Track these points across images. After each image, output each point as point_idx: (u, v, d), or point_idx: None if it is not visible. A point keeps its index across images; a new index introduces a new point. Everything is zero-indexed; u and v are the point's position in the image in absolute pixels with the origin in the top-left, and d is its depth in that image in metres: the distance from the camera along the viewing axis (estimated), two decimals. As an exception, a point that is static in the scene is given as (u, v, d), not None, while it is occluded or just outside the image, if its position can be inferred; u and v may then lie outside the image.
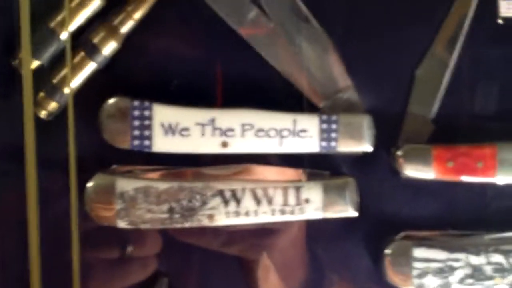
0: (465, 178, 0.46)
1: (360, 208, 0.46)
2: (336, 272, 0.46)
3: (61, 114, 0.42)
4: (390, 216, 0.47)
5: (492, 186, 0.46)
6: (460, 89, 0.46)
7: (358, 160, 0.46)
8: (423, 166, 0.45)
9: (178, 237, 0.44)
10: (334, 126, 0.44)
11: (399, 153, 0.45)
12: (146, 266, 0.44)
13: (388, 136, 0.46)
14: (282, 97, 0.45)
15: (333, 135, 0.44)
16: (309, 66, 0.45)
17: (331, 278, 0.46)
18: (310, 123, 0.44)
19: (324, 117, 0.44)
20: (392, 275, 0.45)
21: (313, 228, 0.46)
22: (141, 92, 0.43)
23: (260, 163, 0.45)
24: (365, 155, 0.45)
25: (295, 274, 0.46)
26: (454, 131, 0.46)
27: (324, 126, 0.44)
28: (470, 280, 0.45)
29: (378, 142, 0.46)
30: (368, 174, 0.46)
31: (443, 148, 0.45)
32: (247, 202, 0.43)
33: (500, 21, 0.45)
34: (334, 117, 0.44)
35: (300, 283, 0.45)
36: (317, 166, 0.45)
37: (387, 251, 0.45)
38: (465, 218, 0.47)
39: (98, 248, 0.43)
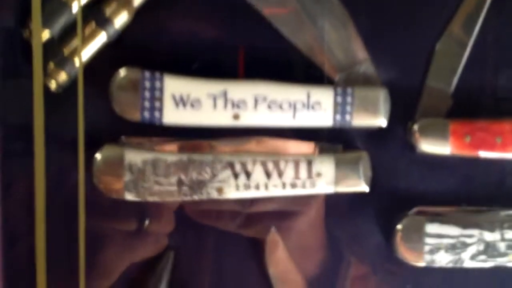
0: (483, 154, 0.46)
1: (374, 183, 0.46)
2: (349, 249, 0.47)
3: (70, 87, 0.42)
4: (404, 192, 0.47)
5: (510, 162, 0.46)
6: (480, 65, 0.46)
7: (373, 135, 0.46)
8: (439, 141, 0.45)
9: (195, 218, 0.45)
10: (349, 99, 0.44)
11: (415, 127, 0.45)
12: (158, 242, 0.45)
13: (405, 110, 0.46)
14: (299, 70, 0.45)
15: (348, 108, 0.44)
16: (327, 39, 0.44)
17: (345, 255, 0.46)
18: (324, 96, 0.44)
19: (339, 90, 0.44)
20: (403, 251, 0.46)
21: (327, 205, 0.45)
22: (154, 65, 0.43)
23: (273, 136, 0.44)
24: (380, 129, 0.45)
25: (314, 256, 0.46)
26: (473, 106, 0.46)
27: (339, 99, 0.44)
28: (482, 257, 0.46)
29: (395, 117, 0.46)
30: (383, 149, 0.47)
31: (461, 122, 0.45)
32: (257, 175, 0.43)
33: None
34: (349, 90, 0.44)
35: (318, 264, 0.46)
36: (331, 140, 0.45)
37: (399, 226, 0.46)
38: (480, 194, 0.47)
39: (116, 219, 0.45)
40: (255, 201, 0.44)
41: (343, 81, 0.44)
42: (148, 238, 0.44)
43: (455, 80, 0.45)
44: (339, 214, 0.46)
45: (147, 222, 0.44)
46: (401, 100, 0.45)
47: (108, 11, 0.42)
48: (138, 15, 0.43)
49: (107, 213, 0.44)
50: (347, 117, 0.43)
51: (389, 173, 0.47)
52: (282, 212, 0.44)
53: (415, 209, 0.46)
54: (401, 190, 0.47)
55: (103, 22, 0.42)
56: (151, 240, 0.45)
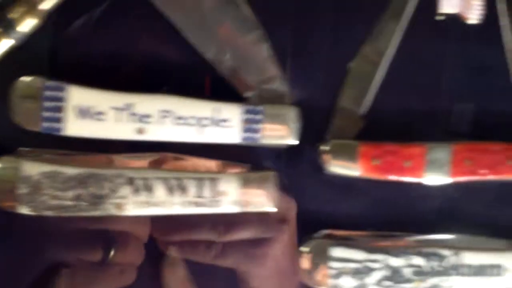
0: (392, 177, 0.47)
1: None
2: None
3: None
4: (313, 213, 0.48)
5: (418, 186, 0.47)
6: (393, 87, 0.47)
7: (282, 154, 0.47)
8: (348, 163, 0.47)
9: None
10: (258, 117, 0.45)
11: (324, 148, 0.46)
12: (125, 274, 0.45)
13: (317, 130, 0.47)
14: (210, 86, 0.46)
15: (257, 126, 0.45)
16: (237, 54, 0.45)
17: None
18: (232, 113, 0.45)
19: (248, 107, 0.45)
20: (307, 275, 0.46)
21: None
22: (61, 74, 0.43)
23: (180, 152, 0.45)
24: (290, 149, 0.46)
25: (292, 279, 0.47)
26: (384, 128, 0.47)
27: (247, 116, 0.45)
28: (388, 283, 0.47)
29: (305, 136, 0.46)
30: (292, 169, 0.47)
31: (370, 145, 0.47)
32: (159, 191, 0.44)
33: (438, 18, 0.46)
34: (258, 108, 0.45)
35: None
36: (239, 158, 0.46)
37: (304, 249, 0.46)
38: (389, 218, 0.48)
39: (80, 249, 0.44)
40: (229, 229, 0.44)
41: (253, 99, 0.45)
42: (114, 269, 0.44)
43: (366, 101, 0.46)
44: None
45: (112, 252, 0.43)
46: (313, 120, 0.46)
47: (14, 14, 0.42)
48: (52, 24, 0.42)
49: (70, 242, 0.44)
50: (256, 135, 0.45)
51: (299, 194, 0.47)
52: (257, 240, 0.45)
53: (323, 232, 0.47)
54: (310, 211, 0.47)
55: (9, 26, 0.42)
56: (118, 272, 0.45)
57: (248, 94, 0.45)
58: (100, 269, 0.45)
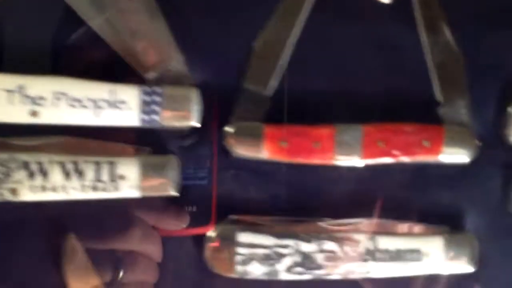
0: (301, 160, 0.48)
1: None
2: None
3: None
4: (221, 198, 0.49)
5: (330, 169, 0.49)
6: (301, 67, 0.49)
7: (187, 137, 0.48)
8: (254, 145, 0.48)
9: None
10: (157, 98, 0.46)
11: (229, 130, 0.48)
12: None
13: (221, 113, 0.48)
14: (109, 67, 0.47)
15: (156, 108, 0.46)
16: (135, 34, 0.47)
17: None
18: (129, 94, 0.46)
19: (146, 88, 0.46)
20: (213, 262, 0.47)
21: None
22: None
23: (77, 135, 0.46)
24: (195, 132, 0.47)
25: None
26: (293, 110, 0.49)
27: (146, 98, 0.46)
28: (299, 269, 0.48)
29: (210, 119, 0.47)
30: (197, 153, 0.48)
31: (276, 126, 0.48)
32: (55, 176, 0.45)
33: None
34: (157, 89, 0.46)
35: None
36: (140, 142, 0.47)
37: (211, 234, 0.47)
38: (299, 202, 0.50)
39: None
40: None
41: (153, 80, 0.46)
42: None
43: (272, 82, 0.48)
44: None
45: (121, 273, 0.46)
46: (218, 102, 0.47)
47: None
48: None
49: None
50: (155, 117, 0.46)
51: (204, 179, 0.48)
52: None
53: (230, 217, 0.48)
54: (218, 196, 0.48)
55: None
56: None
57: (148, 75, 0.46)
58: None
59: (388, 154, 0.49)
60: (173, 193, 0.46)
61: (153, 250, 0.49)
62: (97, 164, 0.46)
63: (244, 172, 0.50)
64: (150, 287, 0.49)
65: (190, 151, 0.49)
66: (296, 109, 0.49)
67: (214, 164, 0.50)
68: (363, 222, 0.51)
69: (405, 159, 0.50)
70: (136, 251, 0.47)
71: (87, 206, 0.45)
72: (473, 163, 0.51)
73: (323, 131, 0.48)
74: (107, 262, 0.46)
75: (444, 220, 0.52)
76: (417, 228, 0.51)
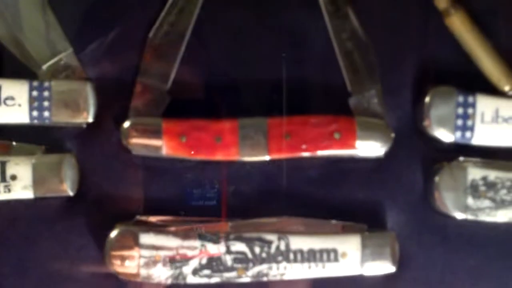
0: (202, 156, 0.51)
1: (85, 188, 0.53)
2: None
3: None
4: (122, 198, 0.52)
5: (235, 165, 0.51)
6: (199, 60, 0.52)
7: (82, 134, 0.51)
8: (153, 141, 0.51)
9: None
10: (46, 93, 0.49)
11: (126, 126, 0.50)
12: None
13: (119, 107, 0.51)
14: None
15: (46, 103, 0.49)
16: (24, 28, 0.50)
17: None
18: (17, 90, 0.49)
19: (35, 83, 0.49)
20: (115, 265, 0.51)
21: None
22: None
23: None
24: (92, 129, 0.50)
25: None
26: (194, 104, 0.52)
27: (35, 93, 0.49)
28: (207, 271, 0.51)
29: (106, 114, 0.50)
30: (93, 150, 0.51)
31: (175, 121, 0.51)
32: None
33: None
34: (46, 84, 0.49)
35: None
36: (32, 140, 0.50)
37: (110, 238, 0.50)
38: (204, 202, 0.51)
39: None
40: None
41: (43, 75, 0.49)
42: None
43: (171, 76, 0.50)
44: (45, 221, 0.50)
45: None
46: (116, 97, 0.50)
47: None
48: None
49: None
50: (46, 113, 0.49)
51: (103, 177, 0.51)
52: None
53: (132, 219, 0.50)
54: (118, 196, 0.51)
55: None
56: None
57: (39, 70, 0.49)
58: None
59: (296, 148, 0.52)
60: (70, 193, 0.48)
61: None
62: (-14, 163, 0.48)
63: (144, 170, 0.52)
64: None
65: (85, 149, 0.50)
66: (197, 103, 0.51)
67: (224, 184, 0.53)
68: (274, 221, 0.55)
69: (316, 153, 0.51)
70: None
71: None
72: (390, 156, 0.55)
73: (225, 125, 0.52)
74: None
75: (362, 218, 0.55)
76: (333, 226, 0.53)
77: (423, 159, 0.57)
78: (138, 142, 0.53)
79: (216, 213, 0.55)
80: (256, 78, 0.55)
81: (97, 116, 0.53)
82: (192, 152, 0.53)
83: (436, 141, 0.56)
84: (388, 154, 0.55)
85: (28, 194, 0.51)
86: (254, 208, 0.55)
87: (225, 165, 0.54)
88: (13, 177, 0.50)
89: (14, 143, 0.52)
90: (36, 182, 0.51)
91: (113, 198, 0.54)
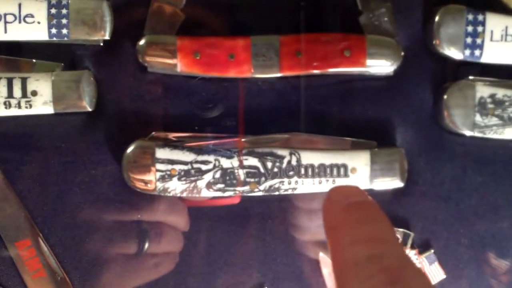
0: (215, 72, 0.59)
1: (103, 104, 0.60)
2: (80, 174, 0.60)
3: None
4: (138, 115, 0.60)
5: (248, 82, 0.59)
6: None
7: (100, 52, 0.59)
8: (167, 59, 0.59)
9: None
10: (64, 11, 0.57)
11: (141, 44, 0.59)
12: (160, 265, 0.61)
13: (134, 25, 0.59)
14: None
15: (64, 21, 0.57)
16: None
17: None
18: (37, 7, 0.57)
19: (53, 1, 0.57)
20: (132, 178, 0.59)
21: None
22: None
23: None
24: (108, 46, 0.58)
25: None
26: (208, 22, 0.60)
27: (54, 11, 0.57)
28: (220, 185, 0.59)
29: (123, 32, 0.59)
30: (111, 67, 0.60)
31: (190, 38, 0.59)
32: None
33: None
34: (64, 1, 0.57)
35: None
36: (52, 57, 0.58)
37: (128, 152, 0.58)
38: (219, 117, 0.60)
39: (115, 242, 0.60)
40: None
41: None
42: (150, 261, 0.60)
43: (185, -6, 0.59)
44: (65, 136, 0.59)
45: (147, 244, 0.58)
46: (132, 15, 0.59)
47: None
48: None
49: (104, 235, 0.59)
50: (64, 30, 0.57)
51: (120, 95, 0.60)
52: None
53: (148, 134, 0.59)
54: (135, 113, 0.60)
55: None
56: (153, 264, 0.61)
57: (58, -11, 0.57)
58: (135, 261, 0.60)
59: (307, 65, 0.60)
60: (89, 109, 0.56)
61: (179, 220, 0.61)
62: (9, 80, 0.56)
63: (159, 87, 0.60)
64: (175, 257, 0.61)
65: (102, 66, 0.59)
66: (211, 21, 0.59)
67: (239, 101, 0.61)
68: (285, 137, 0.62)
69: (326, 70, 0.60)
70: (161, 222, 0.61)
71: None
72: (400, 74, 0.63)
73: (238, 43, 0.59)
74: (132, 233, 0.60)
75: (372, 135, 0.63)
76: (343, 143, 0.61)
77: (433, 77, 0.64)
78: (154, 60, 0.60)
79: (230, 129, 0.62)
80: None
81: (113, 34, 0.60)
82: (206, 69, 0.60)
83: (446, 60, 0.63)
84: (398, 73, 0.62)
85: (48, 109, 0.59)
86: (267, 124, 0.62)
87: (239, 82, 0.61)
88: (34, 93, 0.58)
89: (34, 60, 0.60)
90: (56, 97, 0.58)
91: (130, 115, 0.61)
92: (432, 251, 0.63)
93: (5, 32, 0.58)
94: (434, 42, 0.62)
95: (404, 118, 0.64)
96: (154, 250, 0.61)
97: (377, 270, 0.35)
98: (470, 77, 0.63)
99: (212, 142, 0.61)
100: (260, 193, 0.61)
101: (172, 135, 0.61)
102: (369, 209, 0.40)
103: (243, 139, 0.61)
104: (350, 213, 0.40)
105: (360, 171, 0.61)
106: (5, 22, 0.58)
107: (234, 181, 0.60)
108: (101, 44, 0.60)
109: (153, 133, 0.61)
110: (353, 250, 0.37)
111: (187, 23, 0.61)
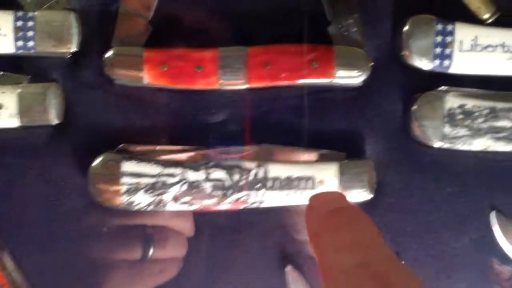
0: (183, 84, 0.62)
1: (69, 117, 0.63)
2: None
3: None
4: (105, 127, 0.63)
5: (215, 94, 0.62)
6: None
7: (67, 64, 0.62)
8: (134, 71, 0.62)
9: None
10: (30, 23, 0.60)
11: (107, 56, 0.61)
12: (165, 271, 0.63)
13: (102, 37, 0.62)
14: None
15: (30, 33, 0.60)
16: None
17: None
18: (3, 20, 0.60)
19: (20, 13, 0.60)
20: (97, 192, 0.62)
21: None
22: None
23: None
24: (76, 58, 0.61)
25: None
26: (176, 34, 0.63)
27: (20, 23, 0.60)
28: (186, 198, 0.62)
29: (90, 44, 0.62)
30: (78, 80, 0.63)
31: (157, 50, 0.62)
32: None
33: None
34: (30, 14, 0.60)
35: None
36: (18, 70, 0.61)
37: (93, 165, 0.62)
38: (185, 130, 0.63)
39: (119, 248, 0.62)
40: None
41: (29, 5, 0.60)
42: (155, 267, 0.63)
43: (153, 5, 0.61)
44: (31, 149, 0.62)
45: (151, 250, 0.61)
46: (100, 27, 0.62)
47: None
48: None
49: (110, 241, 0.61)
50: (30, 43, 0.60)
51: (88, 107, 0.63)
52: None
53: (116, 147, 0.61)
54: (102, 125, 0.63)
55: None
56: (158, 270, 0.63)
57: (22, 1, 0.59)
58: (140, 267, 0.62)
59: (275, 77, 0.63)
60: (56, 121, 0.59)
61: (184, 225, 0.63)
62: (-29, 92, 0.59)
63: (126, 100, 0.63)
64: (179, 262, 0.63)
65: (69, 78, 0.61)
66: (179, 33, 0.62)
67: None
68: (254, 149, 0.64)
69: (295, 81, 0.62)
70: (167, 226, 0.63)
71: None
72: (370, 85, 0.65)
73: (206, 54, 0.62)
74: (137, 238, 0.62)
75: (341, 147, 0.65)
76: (312, 154, 0.64)
77: (403, 88, 0.66)
78: (120, 72, 0.63)
79: (198, 141, 0.64)
80: (237, 8, 0.65)
81: (81, 46, 0.63)
82: (174, 81, 0.63)
83: (416, 70, 0.65)
84: (367, 83, 0.65)
85: (14, 122, 0.61)
86: (235, 136, 0.64)
87: (207, 94, 0.64)
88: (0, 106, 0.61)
89: (0, 72, 0.63)
90: (22, 110, 0.61)
91: (98, 127, 0.64)
92: (402, 263, 0.65)
93: (-29, 44, 0.61)
94: (403, 52, 0.65)
95: (374, 129, 0.66)
96: (159, 255, 0.63)
97: (366, 276, 0.36)
98: (440, 88, 0.65)
99: (180, 154, 0.63)
100: (227, 206, 0.63)
101: (140, 148, 0.63)
102: (351, 214, 0.41)
103: (210, 151, 0.64)
104: (332, 220, 0.41)
105: (329, 183, 0.64)
106: (-30, 35, 0.61)
107: (201, 194, 0.63)
108: (69, 56, 0.62)
109: (121, 145, 0.63)
110: (339, 258, 0.38)
111: (157, 35, 0.63)
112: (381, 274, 0.36)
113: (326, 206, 0.41)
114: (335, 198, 0.43)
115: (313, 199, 0.43)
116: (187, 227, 0.63)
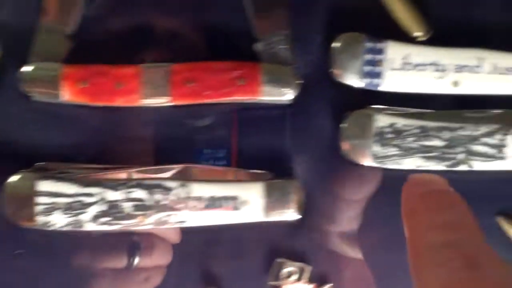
0: (103, 101, 0.61)
1: None
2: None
3: None
4: (22, 146, 0.62)
5: (137, 112, 0.61)
6: (105, 3, 0.61)
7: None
8: (52, 87, 0.61)
9: None
10: None
11: (23, 71, 0.61)
12: (150, 279, 0.63)
13: (20, 52, 0.61)
14: None
15: None
16: None
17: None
18: None
19: None
20: (11, 212, 0.61)
21: None
22: None
23: None
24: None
25: None
26: (98, 50, 0.61)
27: None
28: (105, 219, 0.61)
29: (7, 59, 0.61)
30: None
31: (76, 67, 0.61)
32: None
33: None
34: None
35: None
36: None
37: (7, 185, 0.61)
38: (105, 148, 0.62)
39: (104, 256, 0.62)
40: None
41: None
42: (140, 275, 0.63)
43: (74, 20, 0.60)
44: None
45: (137, 258, 0.60)
46: (18, 42, 0.61)
47: None
48: None
49: (94, 249, 0.61)
50: None
51: (5, 124, 0.62)
52: None
53: (33, 166, 0.60)
54: (19, 143, 0.61)
55: None
56: (143, 278, 0.63)
57: None
58: (125, 276, 0.62)
59: (199, 94, 0.62)
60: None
61: (170, 232, 0.63)
62: None
63: (44, 117, 0.62)
64: (161, 271, 0.62)
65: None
66: (100, 48, 0.61)
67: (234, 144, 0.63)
68: (177, 168, 0.63)
69: (219, 99, 0.61)
70: (153, 234, 0.62)
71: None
72: (300, 102, 0.64)
73: (128, 71, 0.61)
74: (123, 247, 0.61)
75: (269, 166, 0.64)
76: (239, 174, 0.63)
77: (333, 106, 0.65)
78: (35, 89, 0.62)
79: (120, 160, 0.63)
80: (163, 25, 0.64)
81: (-3, 61, 0.61)
82: (93, 98, 0.62)
83: (346, 88, 0.64)
84: (297, 101, 0.64)
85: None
86: (159, 154, 0.64)
87: (129, 111, 0.63)
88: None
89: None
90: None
91: (14, 145, 0.63)
92: (331, 284, 0.64)
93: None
94: (332, 70, 0.64)
95: (303, 147, 0.65)
96: (145, 263, 0.62)
97: (454, 256, 0.37)
98: (370, 106, 0.63)
99: (99, 173, 0.62)
100: (148, 227, 0.62)
101: (58, 166, 0.62)
102: (449, 197, 0.41)
103: (131, 170, 0.62)
104: (430, 199, 0.41)
105: (254, 203, 0.63)
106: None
107: (121, 215, 0.62)
108: (-16, 71, 0.60)
109: (36, 164, 0.62)
110: (431, 235, 0.39)
111: (79, 51, 0.62)
112: (470, 255, 0.36)
113: (425, 186, 0.42)
114: (435, 181, 0.42)
115: (414, 178, 0.43)
116: (173, 235, 0.63)
